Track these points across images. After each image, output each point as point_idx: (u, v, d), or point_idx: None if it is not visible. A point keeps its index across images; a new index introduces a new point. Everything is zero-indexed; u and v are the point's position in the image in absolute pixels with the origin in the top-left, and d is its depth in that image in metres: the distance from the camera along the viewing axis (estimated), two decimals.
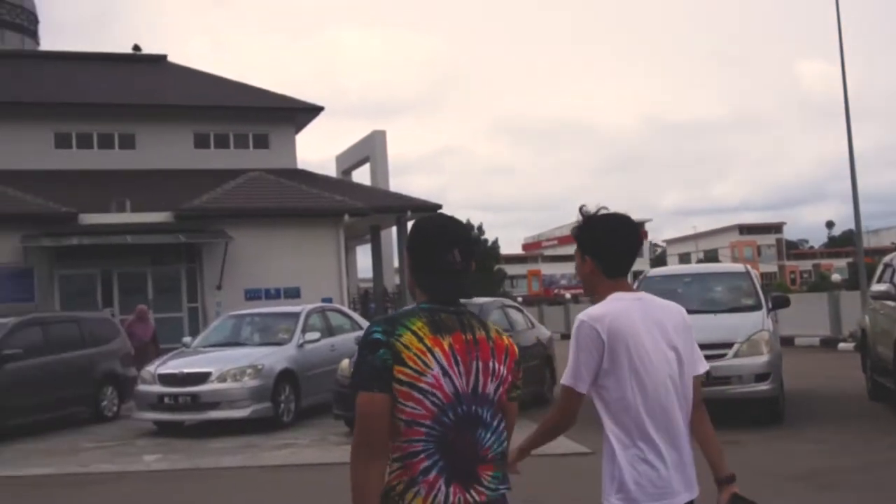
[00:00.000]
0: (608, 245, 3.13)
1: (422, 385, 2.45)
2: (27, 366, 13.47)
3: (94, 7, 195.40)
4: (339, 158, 37.05)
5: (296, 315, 14.44)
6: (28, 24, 36.34)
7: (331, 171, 36.83)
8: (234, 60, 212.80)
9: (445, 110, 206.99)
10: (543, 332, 15.43)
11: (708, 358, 11.57)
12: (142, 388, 13.13)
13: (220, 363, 12.98)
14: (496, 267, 55.54)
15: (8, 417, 12.95)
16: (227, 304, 22.11)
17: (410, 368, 2.44)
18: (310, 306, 15.36)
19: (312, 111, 31.61)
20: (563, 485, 8.22)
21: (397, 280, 35.65)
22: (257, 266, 23.70)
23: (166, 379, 12.87)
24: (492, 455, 2.55)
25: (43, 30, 39.39)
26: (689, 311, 11.56)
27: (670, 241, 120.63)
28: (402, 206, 28.57)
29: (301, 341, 13.76)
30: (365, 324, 13.84)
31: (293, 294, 23.42)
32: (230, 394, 12.59)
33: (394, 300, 31.20)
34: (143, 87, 30.89)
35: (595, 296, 3.17)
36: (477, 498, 2.50)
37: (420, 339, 2.47)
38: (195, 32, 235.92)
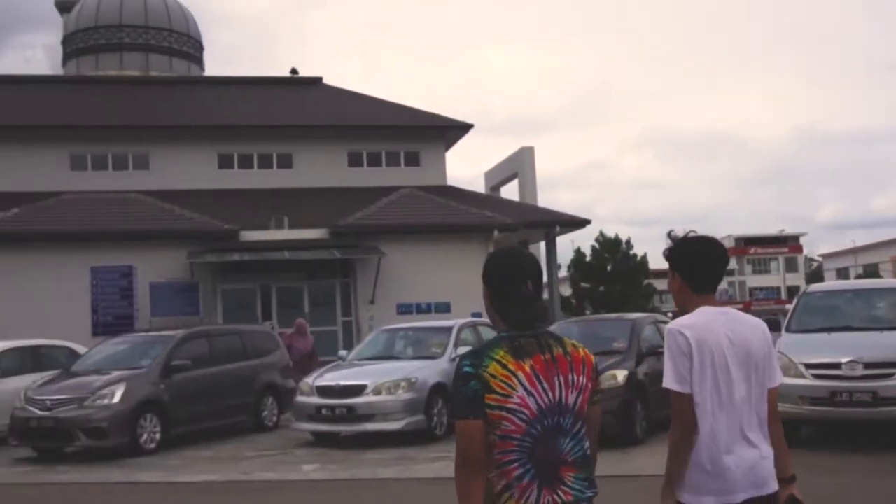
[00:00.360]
0: (695, 264, 3.46)
1: (509, 406, 2.74)
2: (194, 376, 14.10)
3: (254, 34, 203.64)
4: (488, 175, 37.24)
5: (448, 329, 14.60)
6: (194, 51, 38.07)
7: (479, 187, 37.06)
8: (386, 81, 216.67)
9: (592, 125, 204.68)
10: None
11: (875, 377, 11.04)
12: (300, 399, 13.51)
13: (374, 376, 13.23)
14: (645, 282, 54.27)
15: (176, 426, 13.57)
16: (379, 318, 22.53)
17: (498, 394, 2.74)
18: (461, 321, 15.48)
19: (462, 129, 31.90)
20: None
21: (546, 295, 35.47)
22: (409, 281, 24.07)
23: (324, 391, 13.19)
24: (572, 458, 2.82)
25: (207, 56, 41.18)
26: (852, 329, 11.06)
27: (827, 256, 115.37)
28: (550, 221, 28.52)
29: (453, 355, 13.82)
30: None
31: (443, 309, 23.65)
32: (385, 406, 12.82)
33: None
34: (300, 108, 32.03)
35: (684, 309, 3.47)
36: (564, 498, 2.78)
37: (504, 367, 2.76)
38: (349, 55, 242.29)
